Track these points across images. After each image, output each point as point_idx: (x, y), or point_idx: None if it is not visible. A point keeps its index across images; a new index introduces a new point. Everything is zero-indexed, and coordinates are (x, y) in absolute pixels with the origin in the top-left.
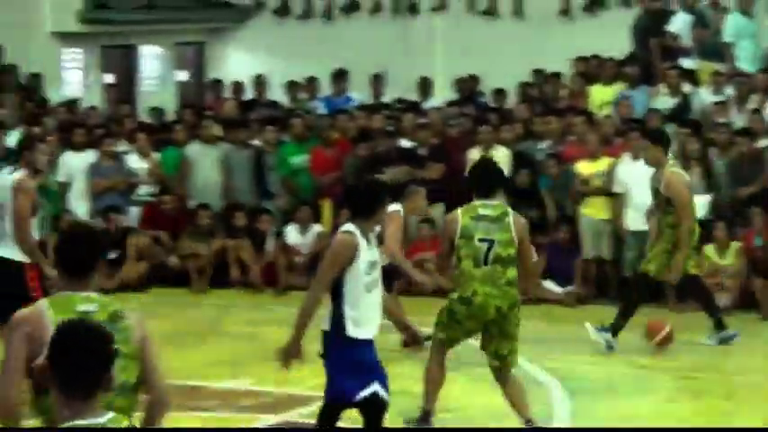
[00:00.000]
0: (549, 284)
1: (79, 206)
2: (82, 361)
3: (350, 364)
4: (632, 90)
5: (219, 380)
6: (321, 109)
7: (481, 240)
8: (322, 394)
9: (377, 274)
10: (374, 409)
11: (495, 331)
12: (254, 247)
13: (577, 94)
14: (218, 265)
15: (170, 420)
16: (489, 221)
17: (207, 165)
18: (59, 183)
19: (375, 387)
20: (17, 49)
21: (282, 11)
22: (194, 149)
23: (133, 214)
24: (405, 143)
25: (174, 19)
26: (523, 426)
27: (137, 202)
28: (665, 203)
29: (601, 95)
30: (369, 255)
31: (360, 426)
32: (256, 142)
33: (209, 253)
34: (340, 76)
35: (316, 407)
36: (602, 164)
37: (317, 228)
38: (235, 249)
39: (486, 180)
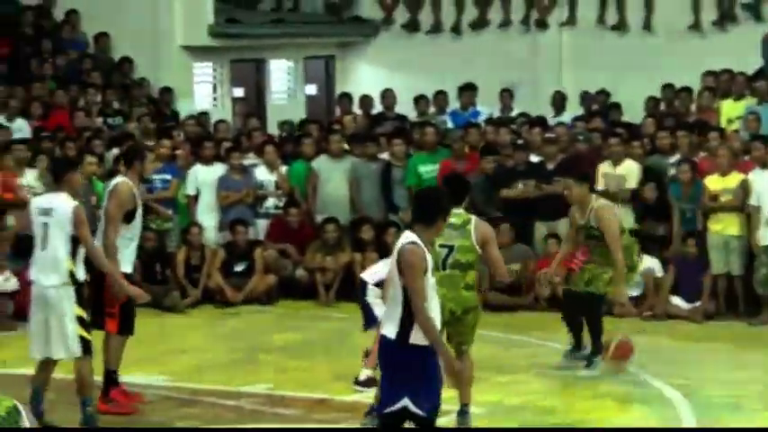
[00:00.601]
0: (677, 300)
1: (207, 219)
2: None
3: (408, 371)
4: (761, 105)
5: (346, 393)
6: (449, 123)
7: (441, 246)
8: (452, 408)
9: (433, 281)
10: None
11: (451, 331)
12: (380, 260)
13: (707, 109)
14: (345, 278)
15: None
16: (452, 229)
17: (334, 178)
18: (188, 196)
19: (405, 402)
20: (148, 63)
21: (411, 25)
22: (322, 163)
23: (260, 227)
24: (532, 158)
25: (303, 33)
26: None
27: (264, 215)
28: None
29: (730, 111)
30: (431, 263)
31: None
32: (384, 156)
33: (337, 266)
34: (468, 90)
35: (444, 420)
36: (732, 180)
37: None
38: (362, 263)
39: (456, 189)
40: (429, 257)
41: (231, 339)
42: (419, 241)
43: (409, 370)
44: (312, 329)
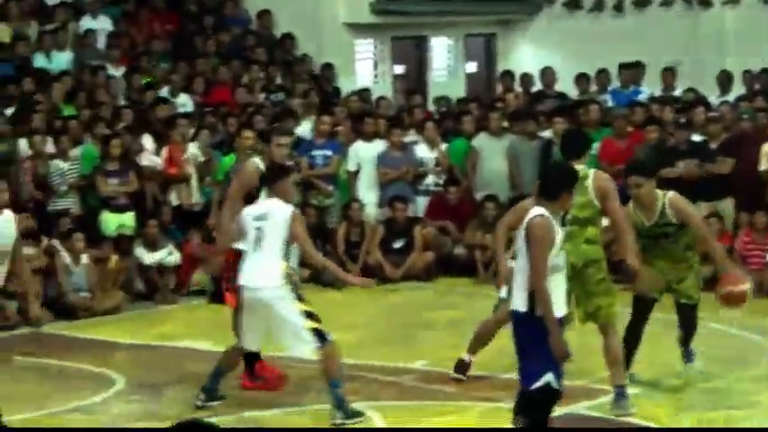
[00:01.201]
0: None
1: (367, 195)
2: None
3: (541, 344)
4: None
5: (506, 370)
6: (609, 101)
7: None
8: (610, 387)
9: (562, 256)
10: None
11: (578, 293)
12: None
13: None
14: None
15: (453, 408)
16: None
17: (494, 156)
18: (349, 172)
19: (548, 377)
20: (310, 40)
21: (573, 4)
22: (482, 140)
23: (420, 204)
24: (695, 137)
25: (465, 11)
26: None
27: (424, 192)
28: None
29: None
30: (560, 237)
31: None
32: (544, 134)
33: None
34: (630, 69)
35: (602, 400)
36: None
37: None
38: None
39: (574, 144)
40: (559, 231)
41: (390, 315)
42: (547, 213)
43: (543, 343)
44: (470, 307)
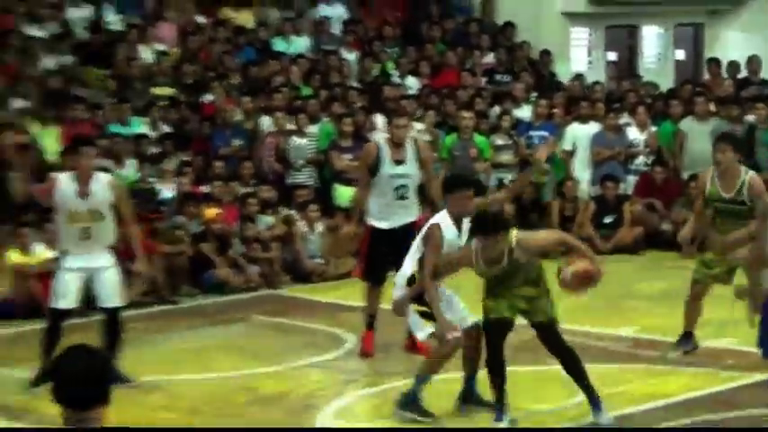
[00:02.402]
0: None
1: (582, 173)
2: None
3: None
4: None
5: (710, 339)
6: None
7: None
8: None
9: None
10: None
11: None
12: None
13: None
14: None
15: (659, 372)
16: None
17: (700, 138)
18: (564, 151)
19: None
20: (529, 27)
21: None
22: (688, 124)
23: (630, 182)
24: None
25: (676, 2)
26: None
27: (634, 172)
28: None
29: None
30: None
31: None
32: (750, 118)
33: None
34: None
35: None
36: None
37: None
38: None
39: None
40: None
41: (600, 286)
42: None
43: None
44: (676, 278)
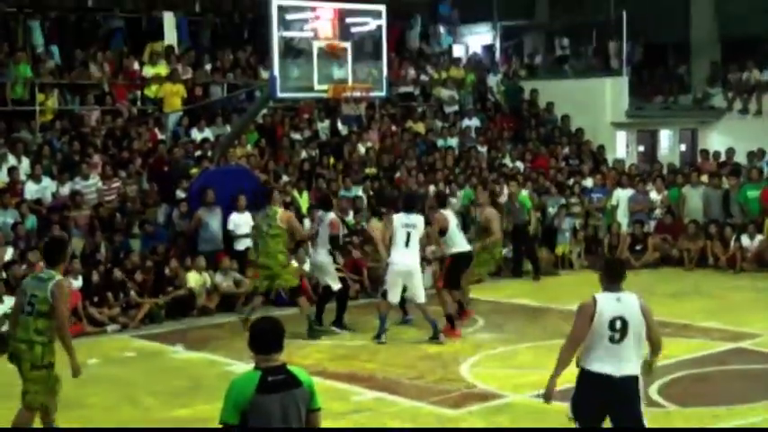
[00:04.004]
0: None
1: (622, 219)
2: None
3: None
4: None
5: (699, 321)
6: None
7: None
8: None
9: None
10: None
11: None
12: None
13: None
14: None
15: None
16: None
17: (694, 198)
18: (612, 206)
19: None
20: (591, 131)
21: None
22: (687, 189)
23: (651, 225)
24: None
25: (680, 115)
26: None
27: (654, 218)
28: None
29: None
30: None
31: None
32: (726, 186)
33: None
34: None
35: None
36: None
37: None
38: None
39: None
40: None
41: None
42: None
43: None
44: (681, 284)
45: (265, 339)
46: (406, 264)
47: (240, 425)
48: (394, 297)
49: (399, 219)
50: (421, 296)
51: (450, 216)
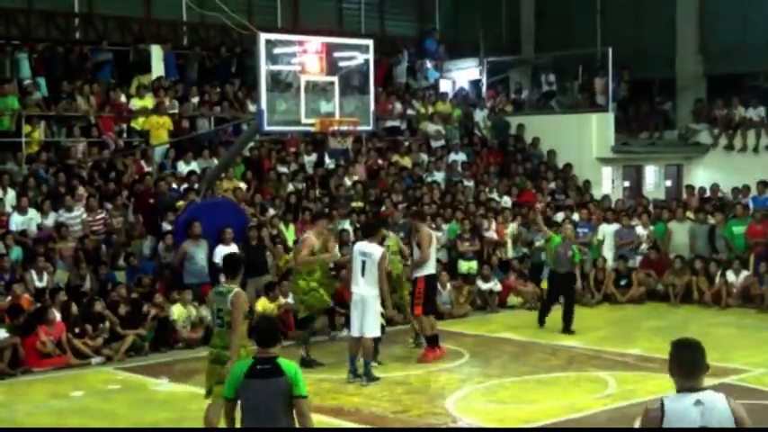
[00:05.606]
0: None
1: (608, 254)
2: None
3: None
4: None
5: None
6: None
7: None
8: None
9: None
10: None
11: None
12: None
13: None
14: None
15: (649, 376)
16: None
17: (680, 234)
18: (598, 240)
19: None
20: (577, 166)
21: None
22: (673, 225)
23: (637, 260)
24: None
25: (665, 151)
26: None
27: (639, 253)
28: None
29: None
30: None
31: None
32: (711, 221)
33: None
34: None
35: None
36: None
37: None
38: None
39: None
40: None
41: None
42: None
43: None
44: (666, 319)
45: (263, 335)
46: (360, 293)
47: (234, 399)
48: (370, 331)
49: (357, 247)
50: (370, 330)
51: (434, 236)
